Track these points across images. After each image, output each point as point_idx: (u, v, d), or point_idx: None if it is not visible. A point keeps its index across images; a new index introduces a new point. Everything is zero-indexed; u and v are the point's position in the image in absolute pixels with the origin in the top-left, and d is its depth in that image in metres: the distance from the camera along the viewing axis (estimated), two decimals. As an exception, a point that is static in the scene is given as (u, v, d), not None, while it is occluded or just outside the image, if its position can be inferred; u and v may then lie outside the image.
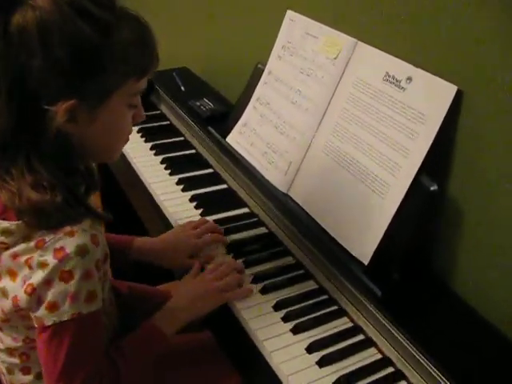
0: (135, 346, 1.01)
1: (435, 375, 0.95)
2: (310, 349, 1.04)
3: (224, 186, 1.48)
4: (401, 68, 1.12)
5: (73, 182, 0.92)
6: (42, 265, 0.87)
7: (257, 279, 1.18)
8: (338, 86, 1.25)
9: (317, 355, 1.03)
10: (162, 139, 1.65)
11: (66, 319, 0.88)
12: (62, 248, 0.86)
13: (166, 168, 1.52)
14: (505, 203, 1.02)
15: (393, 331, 1.02)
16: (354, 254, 1.14)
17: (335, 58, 1.25)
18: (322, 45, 1.28)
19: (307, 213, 1.25)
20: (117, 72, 0.87)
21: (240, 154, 1.45)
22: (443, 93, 1.04)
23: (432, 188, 1.05)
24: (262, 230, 1.33)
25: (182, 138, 1.69)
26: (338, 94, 1.25)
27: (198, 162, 1.57)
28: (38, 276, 0.87)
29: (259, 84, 1.46)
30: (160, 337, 1.04)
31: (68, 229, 0.87)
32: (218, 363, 1.21)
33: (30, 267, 0.88)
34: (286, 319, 1.09)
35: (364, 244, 1.13)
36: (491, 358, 1.00)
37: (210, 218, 1.34)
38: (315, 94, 1.29)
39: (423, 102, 1.07)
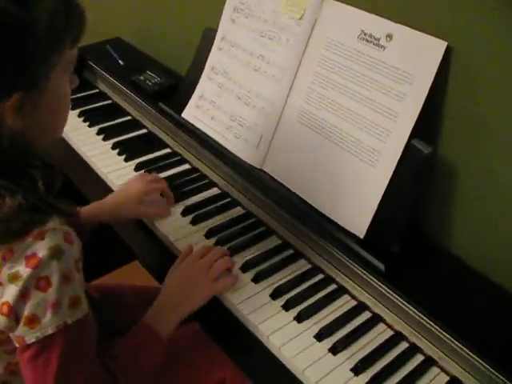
0: (131, 354, 0.93)
1: (452, 344, 0.93)
2: (320, 336, 0.98)
3: (187, 167, 1.37)
4: (378, 25, 1.04)
5: (29, 181, 0.79)
6: (14, 277, 0.76)
7: (245, 266, 1.09)
8: (307, 49, 1.15)
9: (328, 342, 0.97)
10: (108, 121, 1.49)
11: (50, 332, 0.78)
12: (33, 254, 0.76)
13: (119, 154, 1.38)
14: (500, 161, 0.99)
15: (402, 305, 0.98)
16: (347, 229, 1.08)
17: (300, 19, 1.15)
18: (283, 4, 1.17)
19: (288, 188, 1.17)
20: (50, 46, 0.75)
21: (200, 130, 1.34)
22: (431, 50, 0.97)
23: (427, 151, 1.00)
24: (238, 210, 1.24)
25: (129, 118, 1.54)
26: (307, 58, 1.15)
27: (153, 142, 1.44)
28: (12, 291, 0.76)
29: (212, 51, 1.33)
30: (157, 340, 0.96)
31: (36, 232, 0.77)
32: (210, 353, 1.16)
33: (0, 284, 0.77)
34: (286, 307, 1.02)
35: (357, 217, 1.06)
36: (504, 319, 0.98)
37: (179, 205, 1.23)
38: (281, 59, 1.19)
39: (408, 60, 1.00)
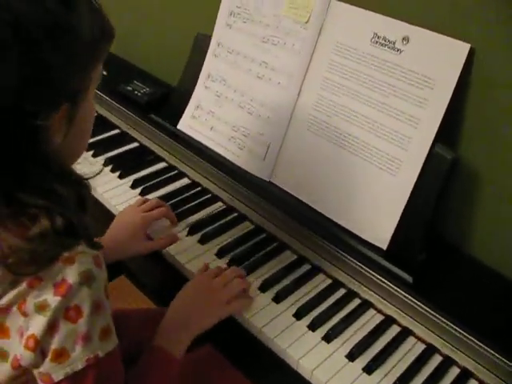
0: (150, 379, 0.87)
1: (488, 354, 0.90)
2: (352, 355, 0.94)
3: (186, 181, 1.30)
4: (392, 27, 1.00)
5: (64, 200, 0.71)
6: (41, 307, 0.68)
7: (264, 286, 1.04)
8: (315, 54, 1.10)
9: (361, 361, 0.93)
10: (95, 135, 1.41)
11: (80, 368, 0.70)
12: (63, 281, 0.68)
13: (112, 170, 1.30)
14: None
15: (432, 316, 0.95)
16: (369, 240, 1.04)
17: (306, 22, 1.10)
18: (286, 7, 1.12)
19: (300, 200, 1.12)
20: (92, 56, 0.70)
21: (198, 142, 1.27)
22: (454, 52, 0.94)
23: (451, 157, 0.96)
24: (247, 225, 1.19)
25: (117, 131, 1.46)
26: (315, 63, 1.10)
27: (146, 156, 1.36)
28: (39, 323, 0.68)
29: (207, 58, 1.27)
30: (172, 361, 0.90)
31: (65, 255, 0.69)
32: (225, 375, 1.09)
33: (25, 314, 0.69)
34: (312, 327, 0.97)
35: (379, 228, 1.02)
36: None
37: (183, 224, 1.17)
38: (287, 65, 1.13)
39: (428, 64, 0.96)
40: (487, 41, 0.93)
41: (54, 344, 0.69)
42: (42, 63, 0.64)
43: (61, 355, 0.69)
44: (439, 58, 0.95)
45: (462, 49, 0.93)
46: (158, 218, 1.14)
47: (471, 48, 0.93)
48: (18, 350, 0.70)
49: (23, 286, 0.68)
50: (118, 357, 0.77)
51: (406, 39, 0.99)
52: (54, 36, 0.64)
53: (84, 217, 0.73)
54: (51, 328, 0.69)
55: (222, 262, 1.08)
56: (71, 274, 0.69)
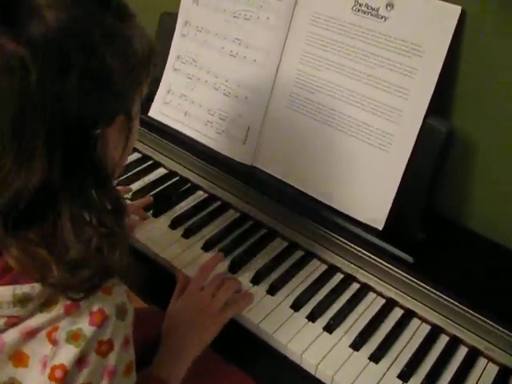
0: None
1: (497, 332, 0.87)
2: (356, 344, 0.89)
3: (163, 171, 1.22)
4: (374, -7, 0.93)
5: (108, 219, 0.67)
6: (75, 336, 0.63)
7: (256, 278, 0.98)
8: (291, 27, 1.03)
9: (366, 350, 0.89)
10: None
11: None
12: (100, 310, 0.64)
13: (83, 166, 1.22)
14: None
15: (437, 296, 0.91)
16: (364, 221, 0.98)
17: (280, -7, 1.02)
18: (257, -21, 1.04)
19: (287, 183, 1.06)
20: (142, 66, 0.68)
21: (172, 128, 1.19)
22: (443, 16, 0.87)
23: (446, 129, 0.91)
24: (232, 213, 1.12)
25: (84, 123, 1.37)
26: (292, 37, 1.03)
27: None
28: (70, 353, 0.62)
29: (175, 39, 1.18)
30: None
31: (102, 285, 0.65)
32: (220, 369, 1.02)
33: (55, 342, 0.63)
34: (312, 318, 0.93)
35: (374, 207, 0.97)
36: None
37: (164, 218, 1.10)
38: (262, 41, 1.06)
39: (415, 30, 0.90)
40: (480, 2, 0.87)
41: (82, 377, 0.64)
42: (105, 75, 0.61)
43: None
44: (427, 24, 0.89)
45: (452, 12, 0.87)
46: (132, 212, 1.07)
47: (462, 11, 0.87)
48: (37, 380, 0.64)
49: (60, 310, 0.63)
50: None
51: (390, 5, 0.92)
52: (113, 44, 0.62)
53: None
54: (81, 360, 0.63)
55: (210, 256, 1.02)
56: (108, 305, 0.65)
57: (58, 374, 0.63)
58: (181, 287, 0.97)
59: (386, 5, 0.92)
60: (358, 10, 0.95)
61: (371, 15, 0.94)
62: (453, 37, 0.87)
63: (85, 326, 0.63)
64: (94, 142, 0.63)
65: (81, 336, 0.63)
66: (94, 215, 0.65)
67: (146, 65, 0.69)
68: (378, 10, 0.93)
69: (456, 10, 0.86)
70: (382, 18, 0.93)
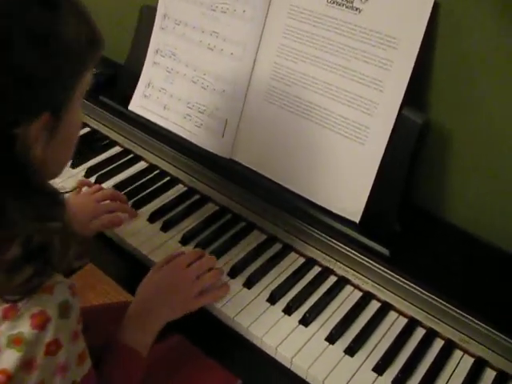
0: (116, 380, 0.83)
1: (472, 324, 0.87)
2: (332, 338, 0.89)
3: (144, 165, 1.22)
4: (349, -15, 0.93)
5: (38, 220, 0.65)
6: (17, 341, 0.62)
7: (233, 271, 0.98)
8: (268, 19, 1.02)
9: (342, 343, 0.89)
10: (42, 123, 1.31)
11: None
12: (41, 312, 0.63)
13: (63, 160, 1.21)
14: (495, 122, 0.91)
15: (413, 289, 0.91)
16: (340, 214, 0.98)
17: (256, -14, 1.02)
18: (233, -29, 1.04)
19: (265, 177, 1.06)
20: (75, 61, 0.65)
21: (152, 122, 1.19)
22: (417, 8, 0.87)
23: (421, 121, 0.91)
24: (211, 207, 1.12)
25: (65, 117, 1.36)
26: (269, 29, 1.02)
27: (99, 142, 1.27)
28: (12, 358, 0.62)
29: (154, 32, 1.18)
30: (137, 360, 0.86)
31: (43, 285, 0.64)
32: (197, 362, 1.05)
33: None
34: (288, 311, 0.93)
35: (350, 200, 0.97)
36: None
37: (143, 211, 1.10)
38: (239, 34, 1.05)
39: (389, 22, 0.90)
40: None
41: (32, 380, 0.64)
42: (23, 70, 0.59)
43: None
44: (401, 15, 0.88)
45: (425, 3, 0.86)
46: (109, 212, 1.06)
47: (435, 2, 0.86)
48: None
49: None
50: (92, 375, 0.73)
51: (364, -3, 0.92)
52: (37, 42, 0.60)
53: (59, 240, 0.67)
54: (28, 364, 0.63)
55: (187, 249, 1.02)
56: (50, 306, 0.64)
57: (1, 378, 0.62)
58: (165, 260, 0.96)
59: (361, -4, 0.92)
60: (333, 2, 0.95)
61: (346, 7, 0.93)
62: (426, 28, 0.87)
63: (26, 329, 0.62)
64: (12, 142, 0.61)
65: (22, 340, 0.62)
66: (28, 214, 0.63)
67: (82, 58, 0.66)
68: (352, 1, 0.93)
69: (429, 1, 0.86)
70: (356, 9, 0.92)
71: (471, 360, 0.88)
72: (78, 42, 0.64)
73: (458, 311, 0.88)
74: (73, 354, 0.67)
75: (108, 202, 1.09)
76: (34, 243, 0.63)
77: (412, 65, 0.88)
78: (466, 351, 0.89)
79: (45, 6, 0.61)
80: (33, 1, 0.60)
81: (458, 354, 0.89)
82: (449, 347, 0.90)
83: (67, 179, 1.16)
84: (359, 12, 0.92)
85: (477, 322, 0.86)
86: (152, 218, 1.08)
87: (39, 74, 0.60)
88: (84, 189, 1.13)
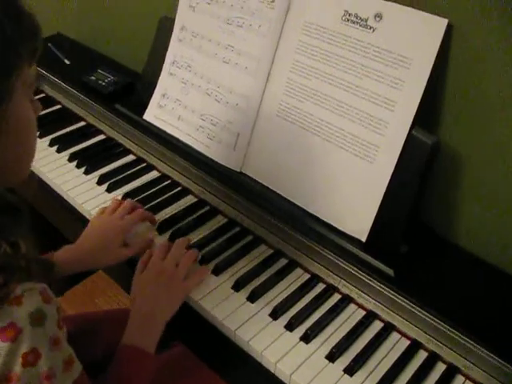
0: (126, 379, 0.84)
1: (476, 350, 0.85)
2: (333, 356, 0.88)
3: (155, 174, 1.23)
4: (364, 3, 0.93)
5: None
6: None
7: (238, 284, 0.98)
8: (283, 35, 1.03)
9: (342, 362, 0.88)
10: (59, 129, 1.33)
11: None
12: (10, 324, 0.62)
13: (78, 166, 1.23)
14: (506, 146, 0.91)
15: (417, 311, 0.90)
16: (347, 232, 0.98)
17: (272, 1, 1.02)
18: (250, -13, 1.05)
19: (274, 191, 1.06)
20: (6, 62, 0.62)
21: (166, 132, 1.20)
22: (430, 29, 0.87)
23: (431, 142, 0.90)
24: (220, 219, 1.12)
25: (82, 124, 1.38)
26: (283, 45, 1.03)
27: (113, 149, 1.29)
28: None
29: (171, 43, 1.19)
30: (146, 358, 0.87)
31: (11, 295, 0.63)
32: (198, 374, 1.06)
33: None
34: (290, 328, 0.92)
35: (357, 218, 0.97)
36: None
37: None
38: (254, 48, 1.06)
39: (403, 42, 0.90)
40: (466, 15, 0.86)
41: None
42: None
43: None
44: (415, 36, 0.88)
45: (439, 24, 0.86)
46: (135, 223, 1.06)
47: (449, 23, 0.86)
48: None
49: None
50: (83, 379, 0.73)
51: (378, 16, 0.92)
52: None
53: (22, 245, 0.67)
54: (6, 378, 0.63)
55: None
56: (19, 317, 0.63)
57: None
58: (144, 260, 0.98)
59: (375, 15, 0.92)
60: (348, 20, 0.95)
61: (360, 25, 0.93)
62: (439, 49, 0.86)
63: None
64: None
65: None
66: None
67: (12, 53, 0.63)
68: (366, 20, 0.93)
69: (443, 22, 0.85)
70: (370, 28, 0.92)
71: (473, 387, 0.87)
72: (2, 37, 0.61)
73: (462, 336, 0.86)
74: (56, 360, 0.67)
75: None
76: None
77: (424, 85, 0.88)
78: (468, 377, 0.88)
79: None
80: None
81: (460, 379, 0.88)
82: (451, 372, 0.88)
83: (80, 185, 1.18)
84: (373, 31, 0.92)
85: (480, 348, 0.85)
86: (161, 228, 1.09)
87: None
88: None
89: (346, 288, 0.98)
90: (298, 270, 1.02)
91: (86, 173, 1.21)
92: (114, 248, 1.02)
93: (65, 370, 0.68)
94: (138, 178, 1.21)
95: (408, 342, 0.92)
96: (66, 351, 0.69)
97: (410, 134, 0.91)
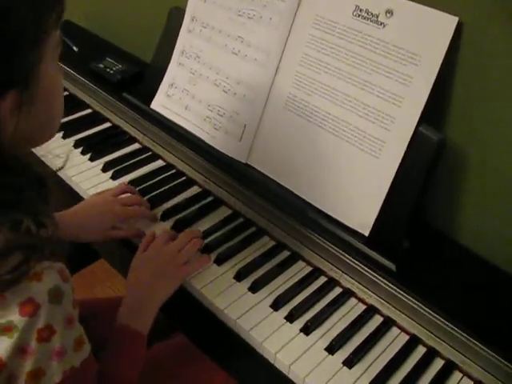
0: (120, 362, 0.85)
1: (474, 346, 0.86)
2: (332, 348, 0.89)
3: (161, 163, 1.23)
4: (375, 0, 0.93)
5: (20, 202, 0.65)
6: (7, 329, 0.63)
7: (240, 274, 0.99)
8: (293, 28, 1.03)
9: (342, 354, 0.88)
10: (66, 116, 1.30)
11: (57, 381, 0.67)
12: (29, 300, 0.63)
13: (83, 152, 1.23)
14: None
15: (417, 307, 0.91)
16: (350, 226, 0.98)
17: (284, -6, 1.03)
18: (263, -21, 1.05)
19: (278, 183, 1.06)
20: (37, 29, 0.63)
21: (173, 122, 1.21)
22: (440, 26, 0.87)
23: (437, 138, 0.91)
24: (224, 210, 1.13)
25: (89, 111, 1.38)
26: (294, 38, 1.03)
27: (119, 137, 1.29)
28: (3, 345, 0.63)
29: (181, 33, 1.20)
30: (139, 337, 0.88)
31: (31, 271, 0.64)
32: (198, 364, 1.07)
33: None
34: (290, 319, 0.92)
35: (361, 213, 0.97)
36: None
37: (157, 209, 1.11)
38: (263, 40, 1.06)
39: (413, 39, 0.90)
40: (476, 13, 0.87)
41: (29, 366, 0.64)
42: None
43: (37, 375, 0.65)
44: (425, 33, 0.89)
45: (449, 22, 0.86)
46: (133, 217, 1.07)
47: (459, 21, 0.86)
48: None
49: None
50: (92, 364, 0.74)
51: (389, 12, 0.92)
52: None
53: (45, 223, 0.66)
54: (21, 351, 0.64)
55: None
56: (39, 293, 0.63)
57: None
58: (146, 242, 0.99)
59: (386, 11, 0.92)
60: (359, 16, 0.95)
61: (371, 21, 0.94)
62: (449, 47, 0.87)
63: (15, 317, 0.62)
64: None
65: (13, 328, 0.62)
66: (12, 197, 0.63)
67: (38, 21, 0.63)
68: (377, 16, 0.93)
69: (453, 20, 0.86)
70: (381, 24, 0.93)
71: (470, 383, 0.87)
72: (26, 7, 0.61)
73: (461, 333, 0.87)
74: (68, 339, 0.67)
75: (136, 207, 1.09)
76: (23, 227, 0.62)
77: (432, 82, 0.88)
78: (466, 373, 0.88)
79: None
80: None
81: (457, 375, 0.88)
82: (449, 368, 0.89)
83: (85, 172, 1.18)
84: (383, 27, 0.93)
85: (479, 344, 0.86)
86: (164, 217, 1.09)
87: None
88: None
89: (348, 282, 0.98)
90: (300, 263, 1.03)
91: (91, 159, 1.21)
92: (104, 227, 1.04)
93: (75, 350, 0.69)
94: (142, 166, 1.22)
95: (407, 337, 0.92)
96: (78, 331, 0.70)
97: (416, 130, 0.91)
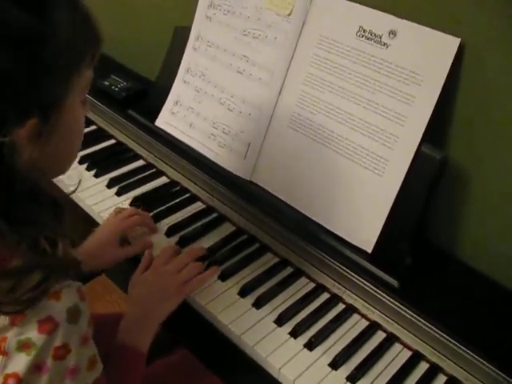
0: (119, 379, 0.84)
1: (478, 363, 0.86)
2: (335, 364, 0.90)
3: (165, 180, 1.25)
4: (379, 20, 0.96)
5: (35, 226, 0.65)
6: (26, 345, 0.63)
7: (244, 290, 0.99)
8: (298, 48, 1.05)
9: (345, 370, 0.89)
10: (71, 132, 1.35)
11: None
12: (49, 318, 0.63)
13: (88, 169, 1.25)
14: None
15: (420, 323, 0.91)
16: (353, 243, 0.99)
17: (289, 15, 1.05)
18: (267, 0, 1.07)
19: (282, 201, 1.08)
20: (69, 62, 0.64)
21: (177, 139, 1.22)
22: (442, 47, 0.89)
23: (439, 157, 0.92)
24: (228, 226, 1.14)
25: (94, 128, 1.40)
26: (298, 57, 1.05)
27: (123, 154, 1.31)
28: (21, 361, 0.63)
29: (186, 51, 1.22)
30: (138, 356, 0.89)
31: (50, 290, 0.64)
32: (202, 379, 1.06)
33: (5, 353, 0.63)
34: (294, 334, 0.93)
35: (364, 230, 0.98)
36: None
37: (161, 225, 1.12)
38: (268, 60, 1.08)
39: (415, 59, 0.92)
40: (478, 35, 0.89)
41: (43, 383, 0.65)
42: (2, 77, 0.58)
43: None
44: (427, 53, 0.91)
45: (451, 43, 0.89)
46: (132, 226, 1.08)
47: (461, 43, 0.89)
48: None
49: (5, 321, 0.63)
50: (103, 379, 0.74)
51: (392, 33, 0.94)
52: (19, 47, 0.59)
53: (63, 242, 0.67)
54: (38, 368, 0.64)
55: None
56: (58, 312, 0.64)
57: (11, 382, 0.63)
58: (146, 262, 1.00)
59: (389, 32, 0.94)
60: (362, 36, 0.97)
61: (374, 41, 0.96)
62: (451, 67, 0.89)
63: (33, 334, 0.63)
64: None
65: (31, 345, 0.63)
66: (18, 221, 0.63)
67: (74, 57, 0.64)
68: (381, 36, 0.95)
69: (455, 41, 0.88)
70: (384, 44, 0.95)
71: (473, 400, 0.88)
72: (68, 42, 0.62)
73: (465, 349, 0.87)
74: (83, 358, 0.68)
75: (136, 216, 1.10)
76: (39, 249, 0.63)
77: (434, 102, 0.90)
78: (469, 390, 0.89)
79: (24, 8, 0.59)
80: (9, 3, 0.58)
81: (460, 391, 0.89)
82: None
83: (90, 188, 1.19)
84: (387, 47, 0.95)
85: (481, 360, 0.86)
86: (169, 233, 1.10)
87: (19, 78, 0.59)
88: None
89: (351, 298, 0.99)
90: (304, 279, 1.04)
91: (96, 176, 1.23)
92: (109, 247, 1.04)
93: (88, 369, 0.69)
94: (147, 183, 1.23)
95: (410, 353, 0.93)
96: (92, 350, 0.70)
97: (419, 149, 0.93)
